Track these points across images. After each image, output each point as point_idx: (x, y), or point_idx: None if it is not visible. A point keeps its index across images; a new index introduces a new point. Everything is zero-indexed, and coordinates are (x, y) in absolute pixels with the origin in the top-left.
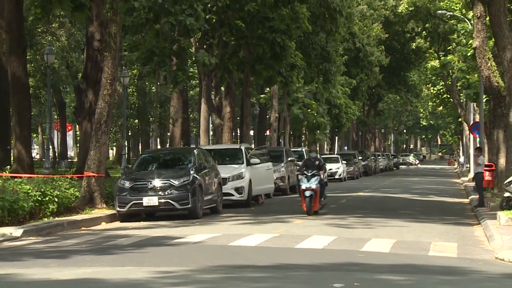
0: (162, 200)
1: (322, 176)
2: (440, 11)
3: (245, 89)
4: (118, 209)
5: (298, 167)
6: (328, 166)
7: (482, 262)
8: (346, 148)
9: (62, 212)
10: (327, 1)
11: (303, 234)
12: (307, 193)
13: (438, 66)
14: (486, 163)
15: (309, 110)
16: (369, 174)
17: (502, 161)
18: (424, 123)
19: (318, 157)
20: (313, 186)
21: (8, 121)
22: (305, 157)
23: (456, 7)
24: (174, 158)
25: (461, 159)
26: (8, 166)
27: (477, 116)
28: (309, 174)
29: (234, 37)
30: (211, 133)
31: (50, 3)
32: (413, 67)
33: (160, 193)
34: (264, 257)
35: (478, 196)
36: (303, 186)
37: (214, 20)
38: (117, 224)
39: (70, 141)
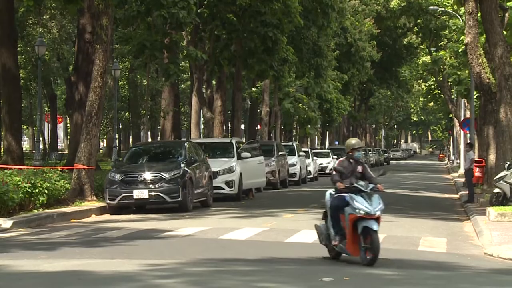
0: (153, 193)
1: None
2: (432, 7)
3: (237, 83)
4: (108, 201)
5: (333, 173)
6: (319, 161)
7: (471, 258)
8: (337, 143)
9: (52, 204)
10: None
11: (293, 228)
12: (374, 226)
13: (430, 62)
14: (476, 159)
15: (300, 104)
16: None
17: (492, 157)
18: (415, 119)
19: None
20: (379, 213)
21: None
22: (342, 156)
23: (448, 3)
24: (164, 151)
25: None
26: None
27: (468, 112)
28: (368, 189)
29: (226, 30)
30: (202, 126)
31: None
32: (405, 62)
33: (150, 186)
34: (254, 251)
35: (468, 192)
36: (361, 211)
37: (205, 13)
38: (107, 216)
39: (60, 133)
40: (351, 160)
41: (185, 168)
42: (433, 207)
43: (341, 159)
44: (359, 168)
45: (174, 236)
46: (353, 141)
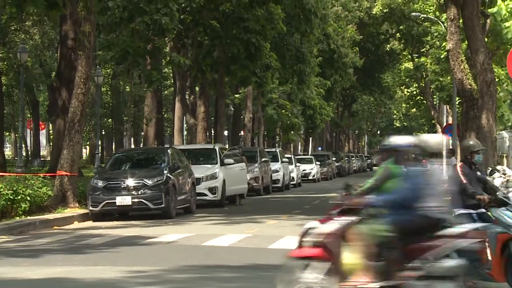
0: (136, 200)
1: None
2: (414, 13)
3: (220, 89)
4: (91, 208)
5: (464, 185)
6: (302, 167)
7: None
8: (320, 149)
9: (34, 211)
10: (302, 2)
11: (276, 234)
12: None
13: (412, 68)
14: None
15: (283, 110)
16: (343, 175)
17: None
18: (397, 125)
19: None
20: None
21: None
22: (462, 162)
23: (430, 9)
24: (147, 158)
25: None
26: None
27: (450, 118)
28: None
29: (209, 37)
30: (185, 133)
31: (24, 1)
32: (387, 69)
33: (133, 192)
34: (237, 257)
35: (450, 198)
36: None
37: (188, 20)
38: (89, 223)
39: (43, 139)
40: (472, 166)
41: (168, 175)
42: None
43: (461, 164)
44: (479, 175)
45: (157, 242)
46: (471, 141)
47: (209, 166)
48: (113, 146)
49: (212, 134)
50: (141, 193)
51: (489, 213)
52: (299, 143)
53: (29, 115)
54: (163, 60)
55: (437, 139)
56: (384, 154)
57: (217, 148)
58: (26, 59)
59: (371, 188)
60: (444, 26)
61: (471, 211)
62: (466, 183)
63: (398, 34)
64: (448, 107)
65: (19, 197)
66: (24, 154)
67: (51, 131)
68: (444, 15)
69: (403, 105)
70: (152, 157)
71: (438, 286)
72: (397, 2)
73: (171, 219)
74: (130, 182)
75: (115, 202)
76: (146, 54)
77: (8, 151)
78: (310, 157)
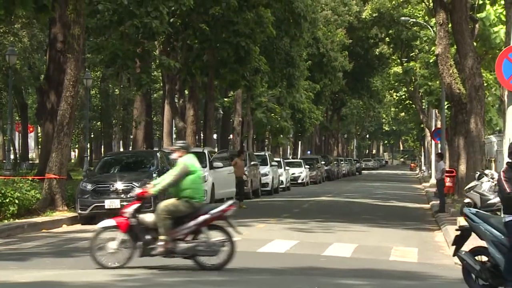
0: (125, 203)
1: None
2: (403, 18)
3: (209, 92)
4: (79, 211)
5: (507, 190)
6: (291, 170)
7: (442, 267)
8: (309, 152)
9: (23, 214)
10: (292, 6)
11: (265, 238)
12: None
13: (401, 72)
14: (447, 169)
15: (273, 114)
16: (332, 179)
17: (462, 167)
18: (386, 129)
19: None
20: None
21: None
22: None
23: (419, 14)
24: (136, 161)
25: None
26: None
27: (439, 122)
28: None
29: (199, 40)
30: (174, 136)
31: (13, 3)
32: (376, 73)
33: (122, 196)
34: None
35: (439, 202)
36: None
37: (178, 23)
38: (78, 226)
39: (31, 142)
40: None
41: (157, 178)
42: (405, 217)
43: (505, 168)
44: None
45: None
46: None
47: None
48: (102, 149)
49: (201, 138)
50: (130, 196)
51: None
52: (288, 146)
53: (17, 118)
54: (152, 63)
55: None
56: (181, 152)
57: (206, 152)
58: (15, 61)
59: (170, 184)
60: (433, 31)
61: None
62: (510, 191)
63: (387, 38)
64: (437, 111)
65: (7, 200)
66: (12, 157)
67: (39, 134)
68: (433, 20)
69: (392, 109)
70: (141, 161)
71: None
72: (387, 7)
73: None
74: (119, 185)
75: (104, 205)
76: (135, 57)
77: None
78: (299, 160)
